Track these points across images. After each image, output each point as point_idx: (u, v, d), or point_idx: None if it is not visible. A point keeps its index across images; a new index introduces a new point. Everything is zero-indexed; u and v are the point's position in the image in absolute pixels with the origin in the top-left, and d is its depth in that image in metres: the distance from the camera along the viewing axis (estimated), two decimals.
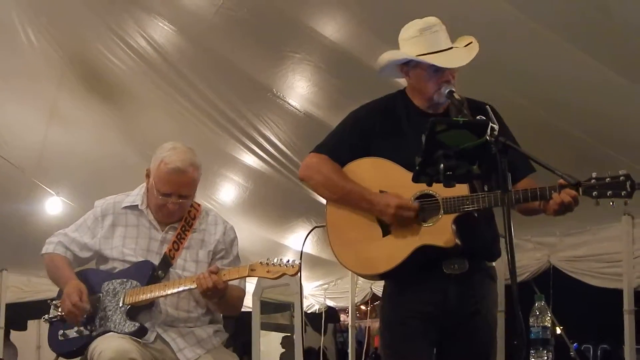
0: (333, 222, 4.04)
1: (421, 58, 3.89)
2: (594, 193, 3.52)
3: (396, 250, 3.83)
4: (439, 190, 3.70)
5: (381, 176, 3.91)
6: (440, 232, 3.75)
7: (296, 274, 4.16)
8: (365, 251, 3.93)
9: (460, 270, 3.85)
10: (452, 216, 3.74)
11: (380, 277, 4.06)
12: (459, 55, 3.89)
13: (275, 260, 4.12)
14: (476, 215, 3.74)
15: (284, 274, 4.12)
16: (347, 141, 4.05)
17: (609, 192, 3.50)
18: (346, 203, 3.96)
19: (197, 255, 4.35)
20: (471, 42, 3.94)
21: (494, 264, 4.09)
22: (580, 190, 3.54)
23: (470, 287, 3.90)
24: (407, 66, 3.97)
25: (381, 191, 3.87)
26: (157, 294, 4.16)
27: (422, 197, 3.79)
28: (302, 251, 4.38)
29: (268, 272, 4.11)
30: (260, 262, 4.13)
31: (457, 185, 3.49)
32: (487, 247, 3.99)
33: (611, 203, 3.53)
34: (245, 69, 7.10)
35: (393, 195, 3.81)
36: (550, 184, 3.55)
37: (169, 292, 4.16)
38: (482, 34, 4.08)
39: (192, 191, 4.33)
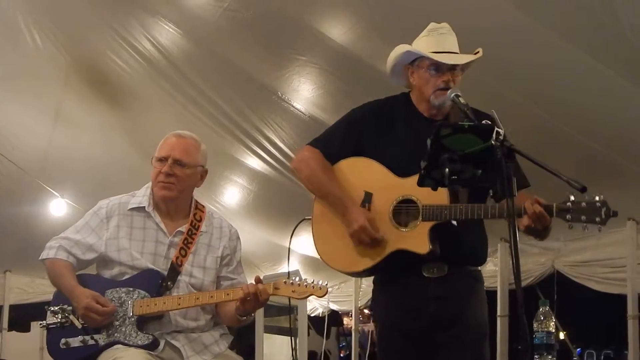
0: (318, 216, 4.12)
1: (419, 50, 3.93)
2: (568, 216, 3.54)
3: (373, 252, 3.89)
4: (420, 196, 3.77)
5: (369, 178, 3.98)
6: (416, 238, 3.80)
7: (324, 295, 4.11)
8: (344, 248, 3.96)
9: (439, 273, 3.89)
10: (430, 224, 3.78)
11: (358, 274, 4.11)
12: (459, 57, 3.92)
13: (296, 279, 4.05)
14: (455, 223, 3.78)
15: (311, 295, 4.08)
16: (341, 138, 4.12)
17: (582, 217, 3.51)
18: (326, 202, 4.05)
19: (204, 261, 4.26)
20: (478, 52, 3.96)
21: (479, 267, 4.13)
22: (554, 211, 3.56)
23: (451, 290, 3.92)
24: (412, 66, 4.00)
25: (366, 192, 3.93)
26: (169, 307, 4.08)
27: (404, 202, 3.85)
28: (290, 240, 4.37)
29: (293, 291, 4.03)
30: (284, 281, 4.04)
31: (438, 193, 3.56)
32: (470, 252, 4.02)
33: (584, 228, 3.54)
34: (250, 72, 7.10)
35: (365, 214, 3.88)
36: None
37: (183, 307, 4.09)
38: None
39: (188, 159, 4.23)
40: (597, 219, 3.49)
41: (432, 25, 4.00)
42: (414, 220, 3.82)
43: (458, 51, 3.95)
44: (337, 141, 4.12)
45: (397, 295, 3.99)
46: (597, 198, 3.51)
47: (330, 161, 4.08)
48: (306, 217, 4.34)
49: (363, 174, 4.00)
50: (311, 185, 4.14)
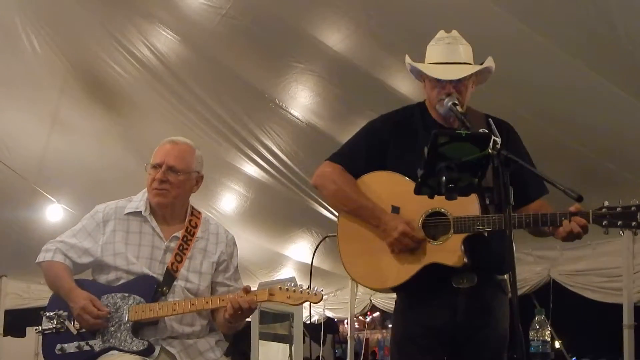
0: (344, 234, 4.03)
1: (416, 64, 3.94)
2: (604, 222, 3.54)
3: (405, 266, 3.82)
4: (450, 208, 3.72)
5: (394, 191, 3.91)
6: (449, 251, 3.75)
7: (319, 301, 4.09)
8: (375, 265, 3.91)
9: (469, 284, 3.83)
10: (462, 236, 3.73)
11: (389, 290, 4.05)
12: (457, 70, 3.88)
13: (291, 285, 4.02)
14: (486, 234, 3.73)
15: (306, 301, 4.06)
16: (362, 152, 4.06)
17: (619, 222, 3.52)
18: (356, 216, 3.97)
19: (200, 266, 4.25)
20: (482, 62, 3.93)
21: (505, 276, 4.06)
22: (591, 218, 3.55)
23: (479, 301, 3.88)
24: (423, 73, 3.97)
25: (393, 206, 3.87)
26: (165, 313, 4.06)
27: (433, 214, 3.80)
28: (312, 261, 4.31)
29: (288, 297, 4.00)
30: (280, 287, 4.01)
31: (468, 204, 3.58)
32: (498, 261, 3.88)
33: (621, 232, 3.58)
34: (248, 79, 7.10)
35: (403, 220, 3.81)
36: (561, 201, 3.54)
37: (179, 313, 4.07)
38: (488, 48, 4.07)
39: (182, 165, 4.22)
40: (634, 223, 3.51)
41: (440, 33, 3.96)
42: (445, 233, 3.77)
43: (467, 60, 3.91)
44: (359, 154, 4.05)
45: (423, 306, 3.92)
46: (632, 202, 3.53)
47: (353, 176, 4.01)
48: (329, 235, 4.29)
49: (388, 187, 3.94)
50: (338, 201, 4.08)
